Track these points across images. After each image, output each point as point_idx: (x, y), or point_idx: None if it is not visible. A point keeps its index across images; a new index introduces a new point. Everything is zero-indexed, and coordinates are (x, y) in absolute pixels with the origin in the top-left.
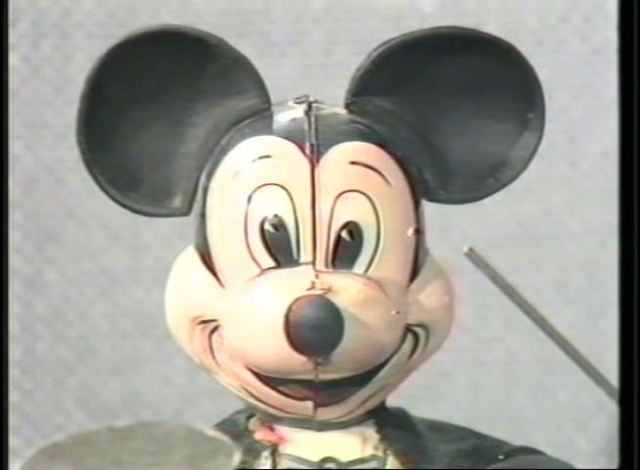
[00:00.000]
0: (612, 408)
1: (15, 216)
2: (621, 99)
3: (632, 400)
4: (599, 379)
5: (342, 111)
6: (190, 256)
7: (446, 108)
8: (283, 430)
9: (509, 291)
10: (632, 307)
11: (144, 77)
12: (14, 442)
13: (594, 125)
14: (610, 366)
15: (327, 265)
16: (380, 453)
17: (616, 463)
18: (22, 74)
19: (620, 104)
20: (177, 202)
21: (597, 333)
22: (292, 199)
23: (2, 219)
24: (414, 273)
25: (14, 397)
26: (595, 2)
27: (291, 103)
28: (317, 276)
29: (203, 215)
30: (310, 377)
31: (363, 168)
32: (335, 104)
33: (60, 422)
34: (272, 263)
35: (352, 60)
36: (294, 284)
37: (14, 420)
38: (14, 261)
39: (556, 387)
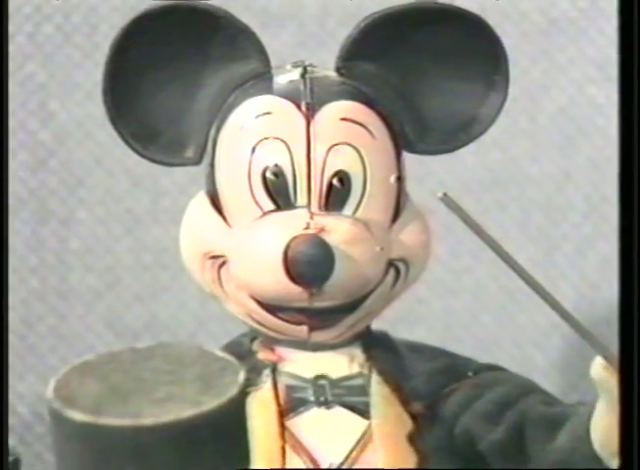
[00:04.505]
0: (565, 329)
1: (51, 164)
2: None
3: (632, 400)
4: (553, 303)
5: (334, 74)
6: (201, 199)
7: (424, 71)
8: (282, 350)
9: (478, 229)
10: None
11: (161, 45)
12: (51, 360)
13: (550, 86)
14: (561, 292)
15: (320, 208)
16: (365, 371)
17: (568, 378)
18: (56, 42)
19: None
20: (190, 153)
21: (553, 265)
22: (290, 150)
23: (2, 215)
24: (396, 215)
25: (51, 320)
26: None
27: (288, 67)
28: (312, 218)
29: (212, 165)
30: (305, 305)
31: (352, 124)
32: (327, 68)
33: (90, 342)
34: (272, 206)
35: (342, 30)
36: (291, 224)
37: (51, 341)
38: (50, 203)
39: (517, 311)
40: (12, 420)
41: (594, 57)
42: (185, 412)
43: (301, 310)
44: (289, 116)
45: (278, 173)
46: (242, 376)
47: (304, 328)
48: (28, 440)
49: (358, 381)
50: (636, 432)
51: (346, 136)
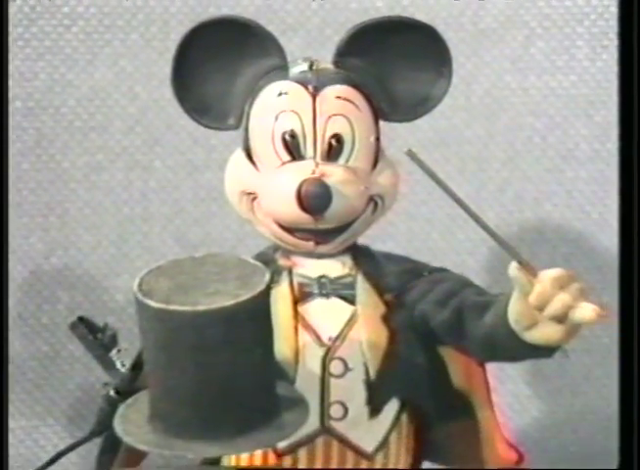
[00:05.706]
0: (491, 242)
1: (136, 129)
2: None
3: (632, 401)
4: (483, 224)
5: (331, 66)
6: (239, 153)
7: (394, 64)
8: (295, 258)
9: (431, 174)
10: None
11: (211, 46)
12: (137, 263)
13: (479, 75)
14: (488, 217)
15: (322, 159)
16: (353, 272)
17: (492, 276)
18: (139, 44)
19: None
20: (232, 121)
21: (482, 198)
22: (301, 119)
23: (2, 196)
24: (375, 164)
25: (137, 236)
26: (478, 11)
27: (300, 61)
28: (316, 166)
29: (247, 129)
30: (312, 227)
31: (344, 101)
32: (327, 62)
33: (164, 252)
34: (289, 158)
35: (337, 35)
36: (302, 171)
37: (137, 250)
38: (136, 156)
39: (457, 230)
40: (111, 305)
41: (509, 55)
42: (228, 302)
43: (309, 231)
44: (300, 95)
45: (293, 135)
46: (267, 276)
47: (311, 243)
48: (124, 318)
49: (348, 279)
50: (636, 432)
51: (341, 109)
